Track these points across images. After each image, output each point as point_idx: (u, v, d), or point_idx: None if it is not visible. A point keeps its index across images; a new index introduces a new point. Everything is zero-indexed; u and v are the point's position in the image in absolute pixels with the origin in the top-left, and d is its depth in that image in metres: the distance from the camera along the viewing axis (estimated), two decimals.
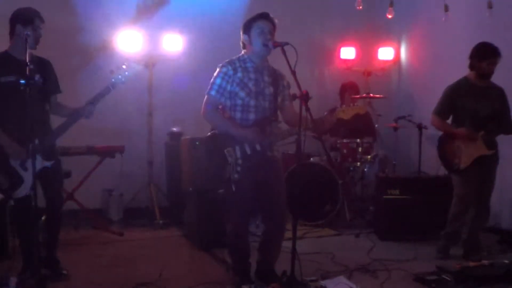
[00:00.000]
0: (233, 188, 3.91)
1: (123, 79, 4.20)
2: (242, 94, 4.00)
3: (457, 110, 4.96)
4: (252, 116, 4.02)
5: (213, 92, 4.01)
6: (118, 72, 4.19)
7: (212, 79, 4.05)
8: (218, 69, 4.06)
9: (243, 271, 4.22)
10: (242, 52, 4.14)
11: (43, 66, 4.23)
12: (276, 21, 4.03)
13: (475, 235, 4.99)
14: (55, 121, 4.33)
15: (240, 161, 3.92)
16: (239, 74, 4.01)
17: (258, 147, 3.97)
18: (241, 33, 4.09)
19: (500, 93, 4.96)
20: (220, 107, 4.08)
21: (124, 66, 4.20)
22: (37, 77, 4.07)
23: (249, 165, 3.93)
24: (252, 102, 4.01)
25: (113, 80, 4.18)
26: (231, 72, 4.00)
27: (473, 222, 4.96)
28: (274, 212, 4.14)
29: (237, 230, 4.16)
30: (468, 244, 5.00)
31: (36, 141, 3.93)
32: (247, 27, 4.05)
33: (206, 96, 4.05)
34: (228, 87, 4.00)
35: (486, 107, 4.85)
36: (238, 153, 3.94)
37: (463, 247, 5.02)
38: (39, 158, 3.99)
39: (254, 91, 4.01)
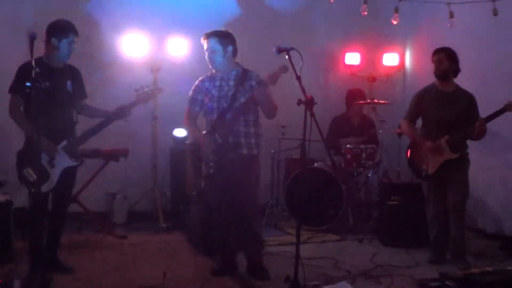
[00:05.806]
0: (204, 184, 4.36)
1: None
2: (206, 100, 4.53)
3: (423, 115, 5.10)
4: (214, 116, 4.48)
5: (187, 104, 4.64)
6: (142, 90, 4.52)
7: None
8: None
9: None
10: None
11: (73, 73, 4.52)
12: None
13: (457, 240, 4.96)
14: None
15: (211, 157, 4.33)
16: (206, 84, 4.56)
17: (219, 140, 4.37)
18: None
19: (468, 99, 4.94)
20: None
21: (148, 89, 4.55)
22: (68, 84, 4.40)
23: (220, 160, 4.34)
24: (214, 106, 4.49)
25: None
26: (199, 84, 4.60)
27: (452, 226, 4.96)
28: (244, 205, 4.49)
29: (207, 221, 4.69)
30: (452, 250, 5.01)
31: (65, 142, 4.28)
32: None
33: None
34: (198, 97, 4.57)
35: (450, 113, 4.88)
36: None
37: (449, 252, 5.04)
38: (66, 157, 4.28)
39: (216, 96, 4.48)
